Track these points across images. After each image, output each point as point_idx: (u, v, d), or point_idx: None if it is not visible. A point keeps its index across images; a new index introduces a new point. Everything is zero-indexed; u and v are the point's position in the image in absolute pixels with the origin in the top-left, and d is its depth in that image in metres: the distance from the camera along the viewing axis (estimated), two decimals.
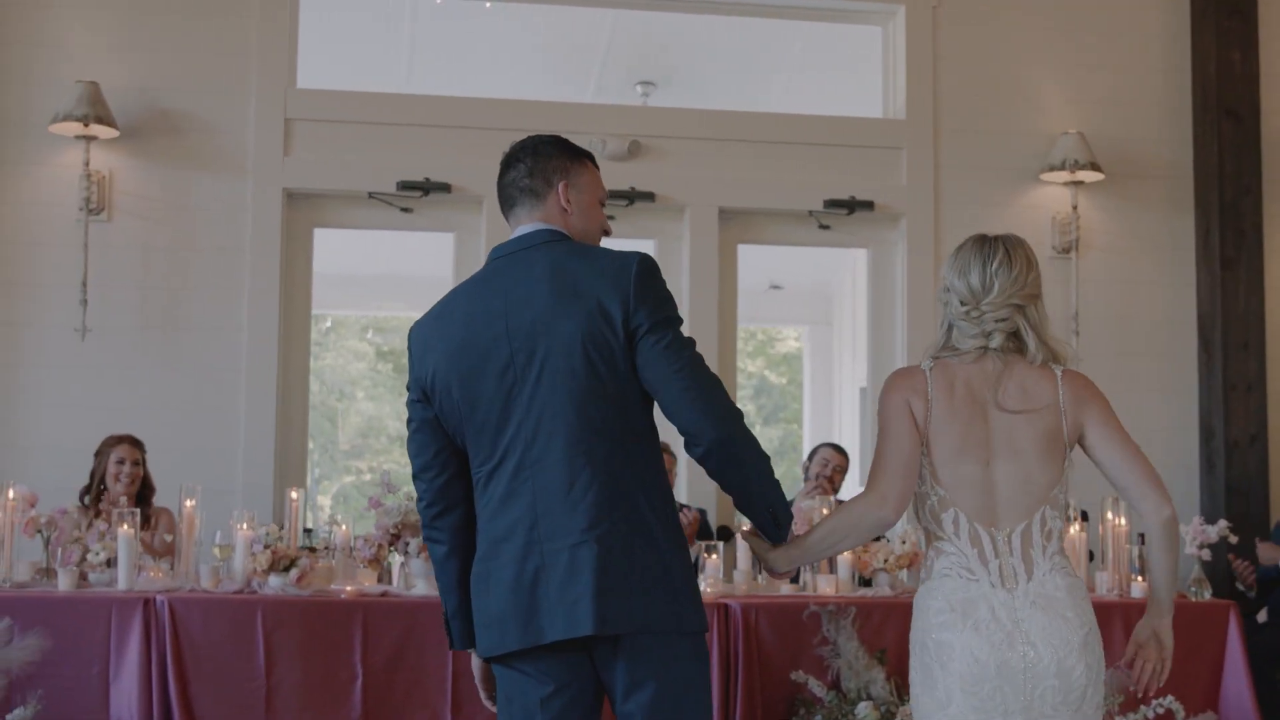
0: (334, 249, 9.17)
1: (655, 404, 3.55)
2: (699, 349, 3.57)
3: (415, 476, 3.72)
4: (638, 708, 3.46)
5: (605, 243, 3.79)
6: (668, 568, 3.49)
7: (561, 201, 3.68)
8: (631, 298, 3.47)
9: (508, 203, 3.74)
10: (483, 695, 3.85)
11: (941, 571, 3.65)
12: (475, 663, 3.80)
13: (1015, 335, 3.73)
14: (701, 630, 3.54)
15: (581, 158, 3.76)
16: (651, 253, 8.52)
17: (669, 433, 3.60)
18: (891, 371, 3.86)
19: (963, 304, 3.72)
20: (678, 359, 3.46)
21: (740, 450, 3.47)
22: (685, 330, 3.56)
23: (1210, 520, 7.23)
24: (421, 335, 3.71)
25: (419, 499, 3.72)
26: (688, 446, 3.48)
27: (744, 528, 3.86)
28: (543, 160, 3.70)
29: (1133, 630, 3.78)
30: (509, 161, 3.75)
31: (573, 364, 3.46)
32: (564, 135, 3.87)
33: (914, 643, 3.70)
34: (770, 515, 3.59)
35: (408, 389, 3.74)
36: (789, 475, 13.74)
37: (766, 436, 17.37)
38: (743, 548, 6.55)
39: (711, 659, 5.91)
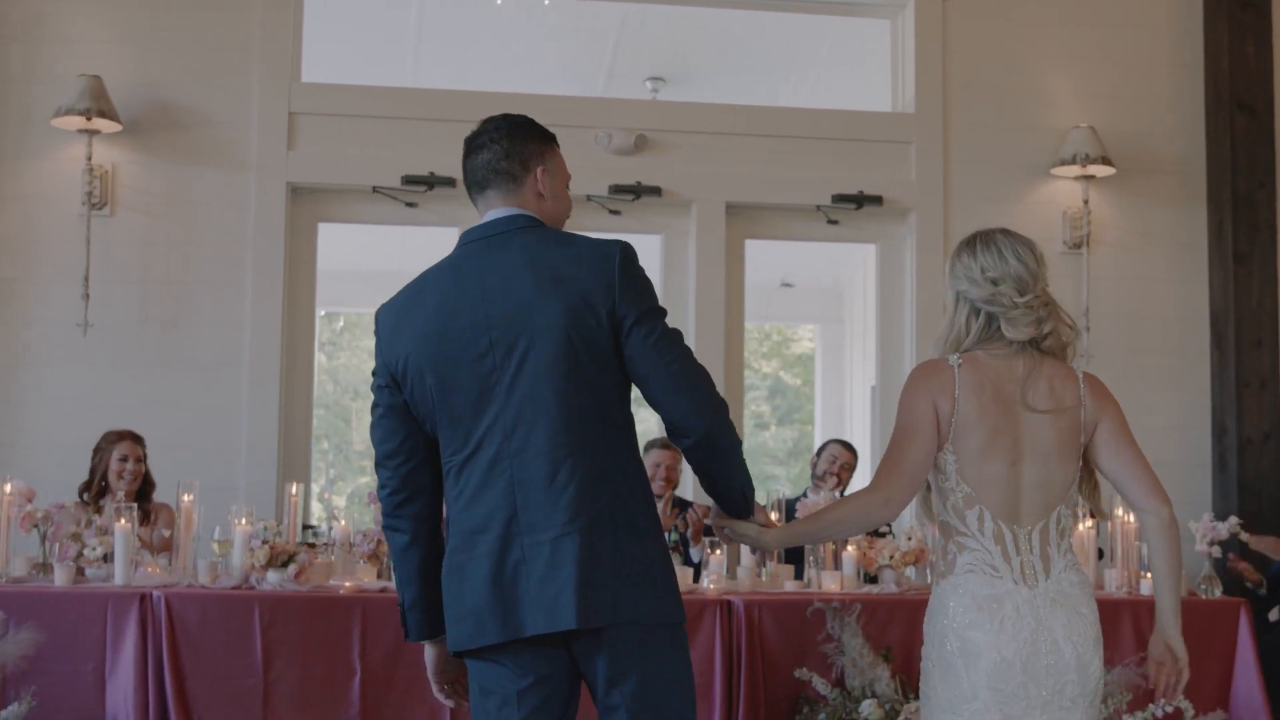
0: (338, 244, 9.12)
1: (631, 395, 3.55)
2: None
3: (379, 463, 3.65)
4: (622, 700, 3.43)
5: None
6: (650, 559, 3.48)
7: (538, 186, 3.64)
8: (616, 288, 3.46)
9: (479, 185, 3.67)
10: (435, 688, 3.79)
11: (965, 567, 3.66)
12: (430, 654, 3.75)
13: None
14: (682, 620, 3.53)
15: (553, 141, 3.72)
16: (658, 248, 8.52)
17: None
18: (917, 365, 3.84)
19: (1022, 292, 3.70)
20: (669, 352, 3.47)
21: (726, 442, 3.50)
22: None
23: (1221, 518, 7.16)
24: (391, 320, 3.64)
25: (381, 487, 3.65)
26: (673, 437, 3.50)
27: (711, 518, 3.84)
28: (519, 143, 3.64)
29: (1143, 633, 3.83)
30: (481, 143, 3.67)
31: (555, 354, 3.42)
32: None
33: (933, 637, 3.71)
34: (742, 495, 3.63)
35: (374, 374, 3.67)
36: (802, 477, 13.67)
37: (781, 437, 17.33)
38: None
39: (715, 656, 5.92)
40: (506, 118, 3.69)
